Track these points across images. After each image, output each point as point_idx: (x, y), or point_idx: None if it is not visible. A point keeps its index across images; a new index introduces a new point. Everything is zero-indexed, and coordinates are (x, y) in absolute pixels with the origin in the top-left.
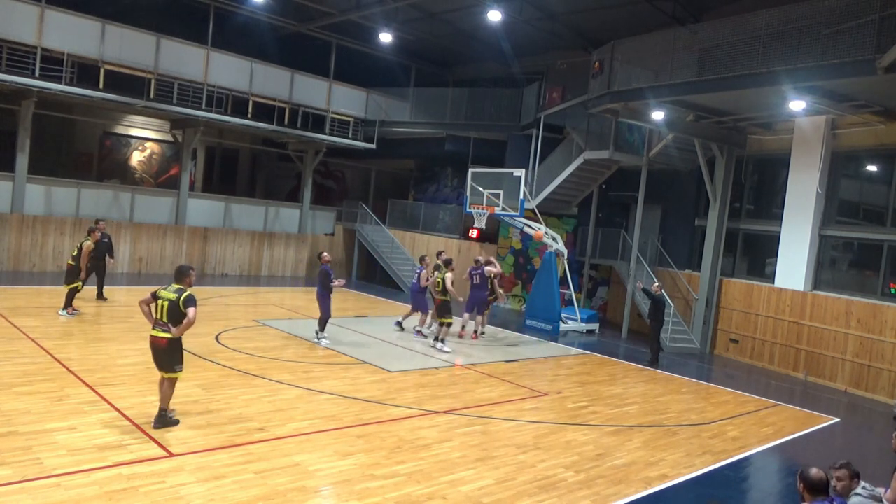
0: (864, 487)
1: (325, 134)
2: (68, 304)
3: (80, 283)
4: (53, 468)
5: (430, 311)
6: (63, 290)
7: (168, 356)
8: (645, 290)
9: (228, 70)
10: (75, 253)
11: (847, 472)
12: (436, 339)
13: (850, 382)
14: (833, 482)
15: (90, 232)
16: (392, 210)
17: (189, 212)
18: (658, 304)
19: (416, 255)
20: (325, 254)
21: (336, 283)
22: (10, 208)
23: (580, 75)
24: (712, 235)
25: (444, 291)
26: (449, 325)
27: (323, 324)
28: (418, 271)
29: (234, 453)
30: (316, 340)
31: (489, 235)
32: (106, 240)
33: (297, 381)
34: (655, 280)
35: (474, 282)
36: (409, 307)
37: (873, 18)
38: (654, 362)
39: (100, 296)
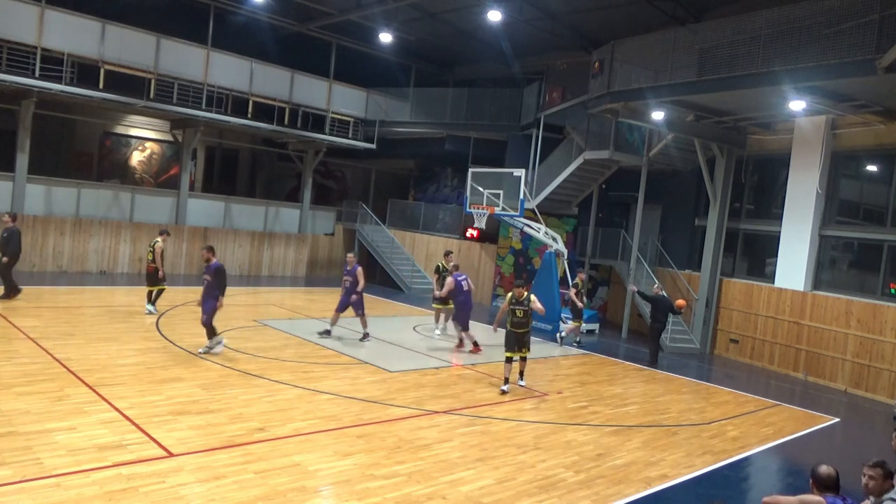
0: None
1: (325, 134)
2: (152, 301)
3: (164, 286)
4: (53, 468)
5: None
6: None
7: None
8: (641, 294)
9: (228, 70)
10: (151, 257)
11: (881, 471)
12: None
13: (850, 382)
14: (864, 479)
15: (161, 234)
16: (392, 210)
17: (189, 212)
18: (659, 306)
19: (416, 255)
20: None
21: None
22: (10, 208)
23: (580, 75)
24: (712, 235)
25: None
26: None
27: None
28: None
29: (234, 453)
30: (204, 351)
31: (489, 235)
32: (5, 234)
33: (297, 381)
34: (656, 281)
35: (463, 288)
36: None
37: (873, 18)
38: (652, 363)
39: (6, 295)
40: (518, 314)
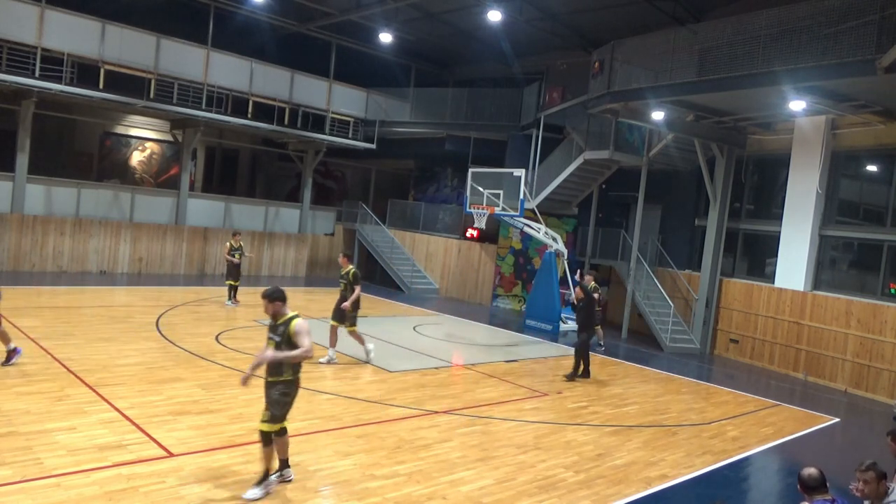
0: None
1: (325, 134)
2: (234, 295)
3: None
4: (53, 468)
5: None
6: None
7: None
8: (581, 286)
9: (228, 70)
10: (237, 256)
11: (874, 473)
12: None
13: (850, 382)
14: (859, 484)
15: (235, 235)
16: (392, 210)
17: (189, 212)
18: (586, 303)
19: (416, 255)
20: None
21: None
22: (10, 208)
23: (580, 75)
24: (712, 235)
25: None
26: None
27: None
28: None
29: (234, 453)
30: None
31: (489, 235)
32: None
33: None
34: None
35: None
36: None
37: (873, 18)
38: (573, 377)
39: None
40: (271, 346)
